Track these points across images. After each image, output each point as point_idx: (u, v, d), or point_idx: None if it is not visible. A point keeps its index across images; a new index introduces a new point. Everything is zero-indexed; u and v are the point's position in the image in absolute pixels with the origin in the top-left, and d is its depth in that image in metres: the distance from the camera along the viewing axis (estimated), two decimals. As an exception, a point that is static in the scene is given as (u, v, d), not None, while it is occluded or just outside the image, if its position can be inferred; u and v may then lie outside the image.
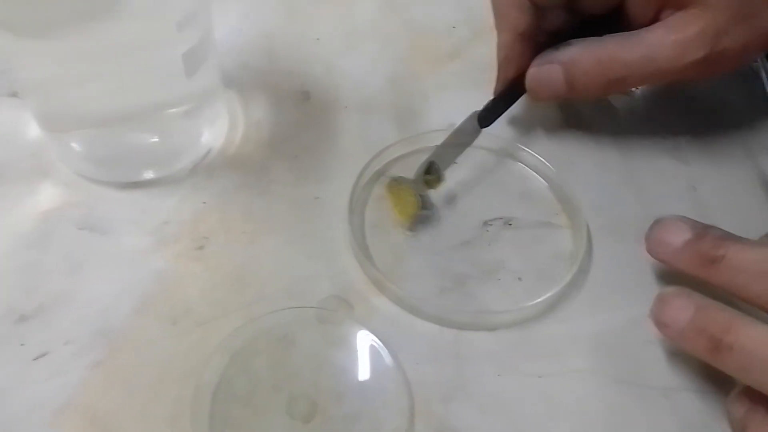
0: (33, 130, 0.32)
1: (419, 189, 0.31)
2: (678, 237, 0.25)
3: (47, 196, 0.31)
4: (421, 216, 0.31)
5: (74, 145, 0.30)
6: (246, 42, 0.39)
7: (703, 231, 0.25)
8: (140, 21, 0.25)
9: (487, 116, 0.32)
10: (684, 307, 0.24)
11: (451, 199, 0.32)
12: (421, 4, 0.42)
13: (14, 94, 0.34)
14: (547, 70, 0.31)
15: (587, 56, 0.30)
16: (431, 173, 0.31)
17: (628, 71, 0.29)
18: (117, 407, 0.25)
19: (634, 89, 0.36)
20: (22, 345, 0.26)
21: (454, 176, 0.33)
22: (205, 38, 0.28)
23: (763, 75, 0.33)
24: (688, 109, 0.37)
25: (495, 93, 0.33)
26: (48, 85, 0.28)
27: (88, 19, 0.25)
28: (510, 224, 0.31)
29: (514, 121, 0.36)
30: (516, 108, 0.36)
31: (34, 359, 0.26)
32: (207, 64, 0.29)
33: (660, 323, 0.25)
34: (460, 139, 0.32)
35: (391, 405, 0.25)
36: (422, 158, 0.33)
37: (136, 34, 0.25)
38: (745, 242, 0.24)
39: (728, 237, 0.24)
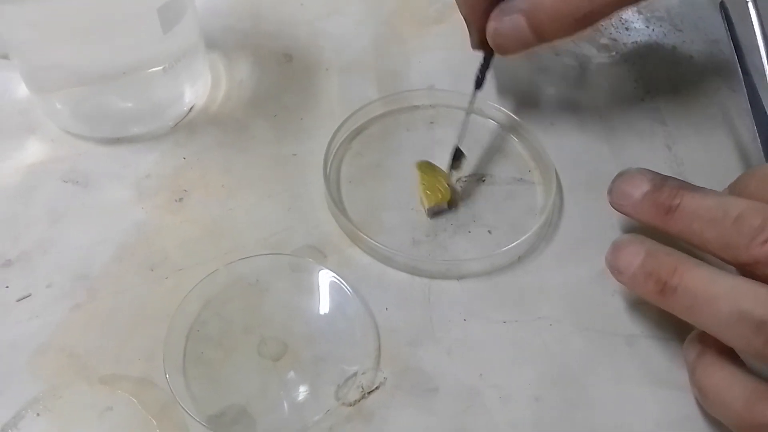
0: (22, 90, 0.33)
1: (447, 178, 0.31)
2: (638, 189, 0.26)
3: (34, 151, 0.32)
4: (440, 210, 0.30)
5: (59, 104, 0.31)
6: (231, 5, 0.39)
7: (661, 182, 0.25)
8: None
9: (478, 78, 0.32)
10: (635, 252, 0.24)
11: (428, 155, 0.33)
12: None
13: (4, 56, 0.35)
14: (510, 22, 0.29)
15: None
16: (458, 158, 0.31)
17: (593, 3, 0.28)
18: (94, 346, 0.26)
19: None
20: (6, 287, 0.27)
21: (430, 135, 0.34)
22: (180, -7, 0.29)
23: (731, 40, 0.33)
24: (668, 73, 0.38)
25: (473, 46, 0.32)
26: (31, 46, 0.29)
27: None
28: (483, 180, 0.32)
29: (493, 83, 0.36)
30: (498, 71, 0.37)
31: (18, 300, 0.27)
32: (184, 21, 0.30)
33: (614, 269, 0.25)
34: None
35: (358, 347, 0.26)
36: (400, 118, 0.34)
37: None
38: (699, 191, 0.24)
39: (684, 186, 0.25)
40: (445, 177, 0.31)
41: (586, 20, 0.28)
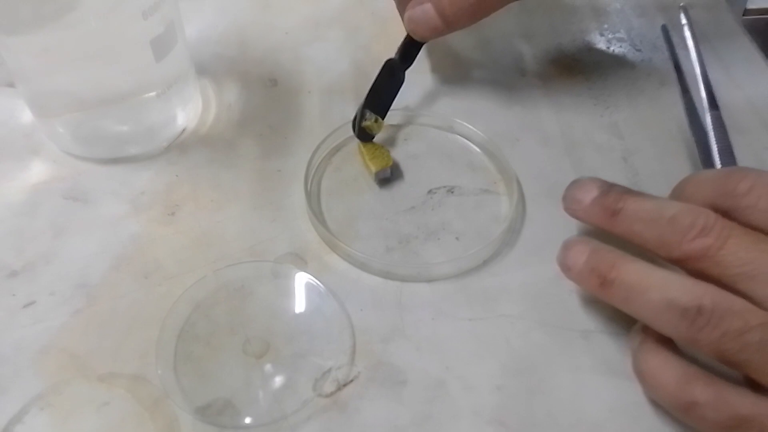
0: (26, 116, 0.36)
1: (363, 137, 0.35)
2: (588, 194, 0.28)
3: (37, 171, 0.34)
4: (386, 176, 0.34)
5: (60, 127, 0.34)
6: (220, 34, 0.42)
7: (608, 188, 0.28)
8: (107, 12, 0.29)
9: (406, 56, 0.36)
10: (581, 251, 0.27)
11: (400, 170, 0.35)
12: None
13: (10, 84, 0.38)
14: (421, 10, 0.34)
15: None
16: (366, 119, 0.35)
17: None
18: (93, 347, 0.28)
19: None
20: (13, 295, 0.29)
21: (404, 150, 0.36)
22: (171, 25, 0.31)
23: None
24: (627, 90, 0.40)
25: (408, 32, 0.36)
26: (34, 75, 0.32)
27: (58, 16, 0.28)
28: (452, 192, 0.34)
29: (462, 101, 0.39)
30: (467, 90, 0.40)
31: (23, 307, 0.29)
32: (175, 51, 0.33)
33: (563, 266, 0.28)
34: (387, 87, 0.36)
35: (334, 345, 0.28)
36: (377, 135, 0.37)
37: (105, 24, 0.29)
38: (641, 195, 0.27)
39: (628, 192, 0.27)
40: (385, 148, 0.35)
41: (484, 8, 0.33)
